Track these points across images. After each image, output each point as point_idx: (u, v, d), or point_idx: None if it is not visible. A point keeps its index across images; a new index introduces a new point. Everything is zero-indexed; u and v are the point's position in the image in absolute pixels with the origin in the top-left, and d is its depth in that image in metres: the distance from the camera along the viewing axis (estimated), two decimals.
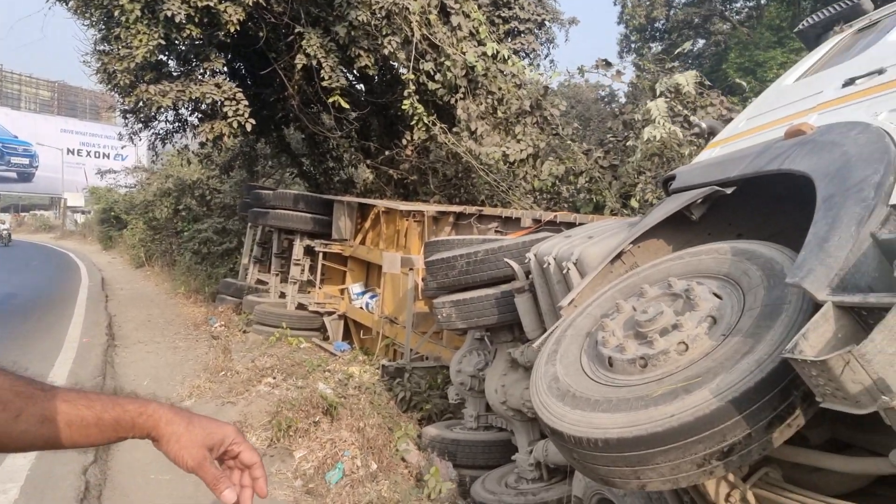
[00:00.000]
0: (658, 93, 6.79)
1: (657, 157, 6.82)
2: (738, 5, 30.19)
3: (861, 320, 1.67)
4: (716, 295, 2.26)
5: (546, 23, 12.27)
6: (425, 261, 5.24)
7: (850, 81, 2.59)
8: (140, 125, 13.10)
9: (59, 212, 53.00)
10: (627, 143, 7.80)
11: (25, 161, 58.13)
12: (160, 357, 8.06)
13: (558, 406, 2.21)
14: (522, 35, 10.54)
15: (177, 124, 13.62)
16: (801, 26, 3.94)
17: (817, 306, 1.92)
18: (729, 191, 2.58)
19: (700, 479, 1.94)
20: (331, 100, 8.92)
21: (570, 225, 5.93)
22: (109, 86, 9.87)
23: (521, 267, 4.40)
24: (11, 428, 0.96)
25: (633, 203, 6.40)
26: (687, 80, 6.71)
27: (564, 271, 3.41)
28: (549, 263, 3.61)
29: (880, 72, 2.46)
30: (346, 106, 9.19)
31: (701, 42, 30.97)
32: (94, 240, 34.06)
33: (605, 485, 2.46)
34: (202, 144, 14.30)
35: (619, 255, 2.91)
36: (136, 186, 26.52)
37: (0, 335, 9.20)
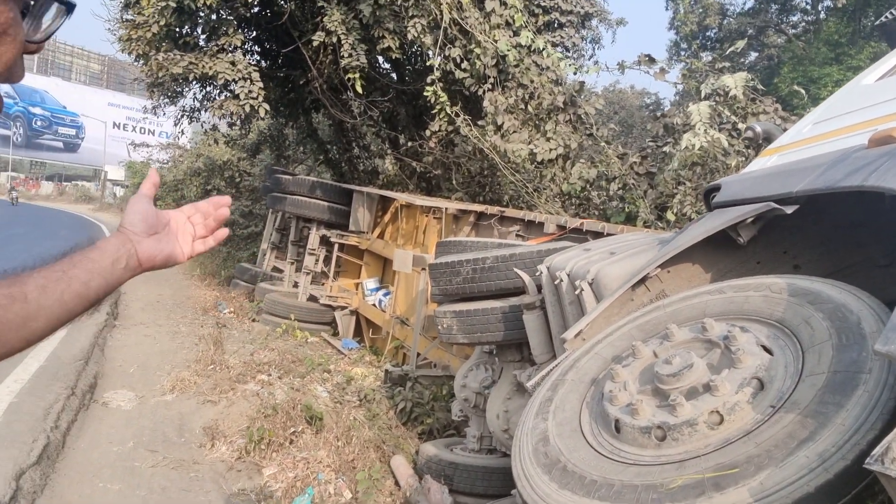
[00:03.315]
0: (703, 95, 6.13)
1: (699, 166, 6.18)
2: (796, 18, 28.94)
3: None
4: (765, 349, 1.70)
5: (591, 19, 11.62)
6: (430, 263, 4.74)
7: None
8: (166, 99, 12.86)
9: (99, 184, 53.64)
10: (665, 150, 7.15)
11: (72, 132, 59.32)
12: (156, 342, 7.66)
13: (543, 480, 1.68)
14: (563, 28, 9.91)
15: (204, 102, 13.34)
16: (883, 19, 3.33)
17: None
18: (790, 209, 2.00)
19: None
20: (347, 76, 8.44)
21: (598, 235, 5.38)
22: (128, 54, 9.55)
23: (533, 279, 3.87)
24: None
25: (670, 216, 5.77)
26: (736, 82, 6.02)
27: (578, 291, 2.86)
28: (561, 280, 3.08)
29: None
30: (360, 91, 8.69)
31: (753, 55, 29.78)
32: None
33: None
34: (230, 125, 14.03)
35: (643, 280, 2.35)
36: (167, 163, 26.69)
37: None
